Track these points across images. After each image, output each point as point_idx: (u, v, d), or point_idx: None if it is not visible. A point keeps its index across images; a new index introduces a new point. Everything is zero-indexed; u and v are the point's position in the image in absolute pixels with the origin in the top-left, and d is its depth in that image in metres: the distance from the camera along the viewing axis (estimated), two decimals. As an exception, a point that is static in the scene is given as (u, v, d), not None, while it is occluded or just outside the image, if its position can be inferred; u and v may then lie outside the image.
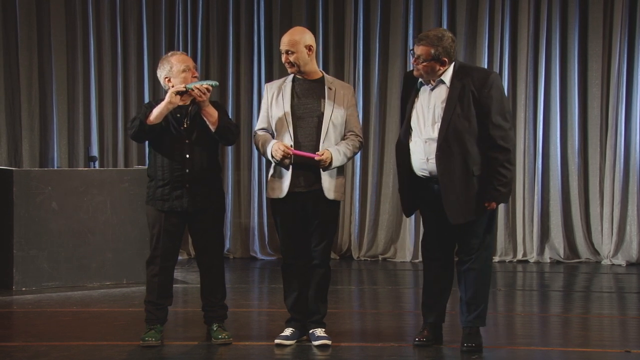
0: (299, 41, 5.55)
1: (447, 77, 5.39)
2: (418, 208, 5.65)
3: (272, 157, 5.53)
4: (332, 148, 5.51)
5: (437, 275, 5.61)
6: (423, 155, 5.39)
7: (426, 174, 5.39)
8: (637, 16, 9.42)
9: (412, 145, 5.44)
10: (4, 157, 9.70)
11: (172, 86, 5.56)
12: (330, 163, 5.49)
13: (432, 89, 5.43)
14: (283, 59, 5.60)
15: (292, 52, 5.55)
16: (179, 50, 9.74)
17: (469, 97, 5.31)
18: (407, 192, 5.56)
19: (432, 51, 5.30)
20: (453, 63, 5.41)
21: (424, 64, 5.33)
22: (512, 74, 9.66)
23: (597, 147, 9.53)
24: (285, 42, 5.59)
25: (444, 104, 5.34)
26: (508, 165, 5.34)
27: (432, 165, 5.37)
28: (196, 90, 5.46)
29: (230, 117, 6.07)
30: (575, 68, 9.53)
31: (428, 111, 5.40)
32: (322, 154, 5.47)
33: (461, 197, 5.32)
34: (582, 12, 9.54)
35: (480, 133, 5.33)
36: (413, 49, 5.41)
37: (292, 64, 5.57)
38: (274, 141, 5.56)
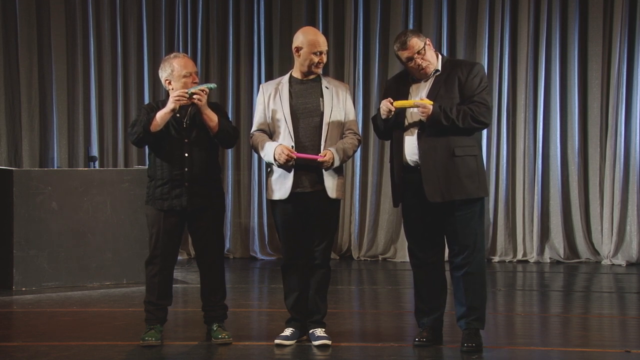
0: None
1: (439, 65, 5.49)
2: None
3: (275, 160, 5.52)
4: (333, 148, 5.52)
5: (428, 280, 5.60)
6: (414, 141, 5.42)
7: (415, 158, 5.41)
8: (637, 16, 9.42)
9: (405, 134, 5.46)
10: (4, 157, 9.70)
11: (172, 89, 5.57)
12: (332, 163, 5.50)
13: (425, 81, 5.50)
14: (316, 59, 5.55)
15: (325, 53, 5.59)
16: (179, 50, 9.77)
17: (454, 81, 5.40)
18: (401, 182, 5.55)
19: (418, 39, 5.40)
20: (441, 56, 5.51)
21: (424, 54, 5.39)
22: (512, 74, 9.67)
23: (597, 147, 9.54)
24: (322, 42, 5.57)
25: (431, 87, 5.45)
26: (470, 120, 5.32)
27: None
28: (196, 95, 5.47)
29: (229, 118, 6.05)
30: (575, 68, 9.53)
31: (421, 98, 5.44)
32: (325, 155, 5.48)
33: (441, 175, 5.35)
34: (582, 12, 9.55)
35: None
36: (404, 58, 5.40)
37: (322, 65, 5.59)
38: (275, 144, 5.54)
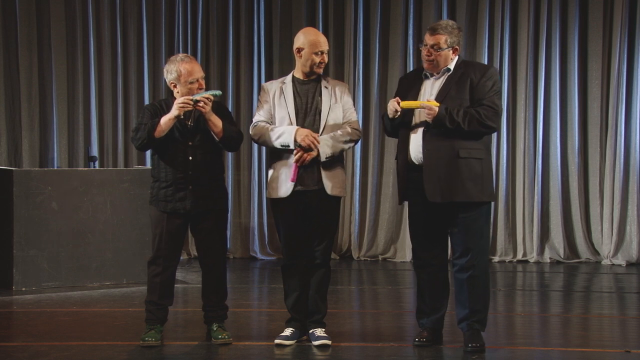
0: None
1: (452, 65, 5.49)
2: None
3: (295, 141, 5.48)
4: (322, 137, 5.52)
5: (430, 282, 5.61)
6: (419, 140, 5.42)
7: (419, 157, 5.42)
8: (637, 16, 9.42)
9: (412, 133, 5.47)
10: (4, 157, 9.70)
11: (178, 92, 5.57)
12: (319, 151, 5.48)
13: (436, 79, 5.51)
14: (318, 60, 5.57)
15: (327, 53, 5.61)
16: (179, 50, 9.77)
17: (466, 82, 5.41)
18: (403, 179, 5.56)
19: (448, 39, 5.41)
20: (456, 57, 5.52)
21: (440, 52, 5.40)
22: (512, 74, 9.67)
23: (597, 147, 9.54)
24: (323, 42, 5.59)
25: (442, 86, 5.46)
26: (476, 124, 5.32)
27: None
28: (201, 102, 5.47)
29: (233, 119, 6.04)
30: (575, 68, 9.54)
31: (430, 97, 5.45)
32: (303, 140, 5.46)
33: (442, 176, 5.35)
34: (582, 12, 9.55)
35: None
36: (425, 41, 5.46)
37: (323, 64, 5.61)
38: (293, 126, 5.51)
